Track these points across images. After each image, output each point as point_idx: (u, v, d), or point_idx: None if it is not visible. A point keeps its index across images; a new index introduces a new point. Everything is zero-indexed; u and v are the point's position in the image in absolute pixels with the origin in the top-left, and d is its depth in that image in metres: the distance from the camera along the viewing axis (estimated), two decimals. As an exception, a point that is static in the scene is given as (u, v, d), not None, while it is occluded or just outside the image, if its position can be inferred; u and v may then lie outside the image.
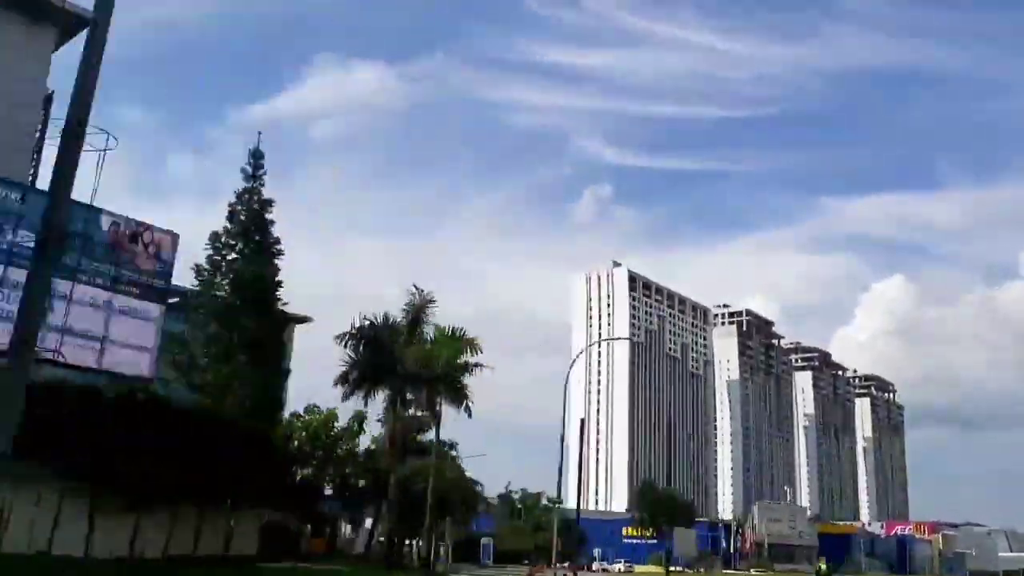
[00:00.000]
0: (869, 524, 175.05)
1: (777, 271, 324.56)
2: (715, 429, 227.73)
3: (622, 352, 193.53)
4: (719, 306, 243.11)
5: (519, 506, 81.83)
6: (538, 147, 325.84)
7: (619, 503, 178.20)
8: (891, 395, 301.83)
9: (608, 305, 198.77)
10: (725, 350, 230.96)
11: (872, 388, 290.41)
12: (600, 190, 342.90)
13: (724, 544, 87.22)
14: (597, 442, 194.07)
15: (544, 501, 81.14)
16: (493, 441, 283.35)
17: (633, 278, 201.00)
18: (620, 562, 71.60)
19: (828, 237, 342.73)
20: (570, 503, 62.34)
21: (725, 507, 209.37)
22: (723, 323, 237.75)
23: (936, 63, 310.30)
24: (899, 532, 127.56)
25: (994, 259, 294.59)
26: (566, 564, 47.35)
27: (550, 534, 73.99)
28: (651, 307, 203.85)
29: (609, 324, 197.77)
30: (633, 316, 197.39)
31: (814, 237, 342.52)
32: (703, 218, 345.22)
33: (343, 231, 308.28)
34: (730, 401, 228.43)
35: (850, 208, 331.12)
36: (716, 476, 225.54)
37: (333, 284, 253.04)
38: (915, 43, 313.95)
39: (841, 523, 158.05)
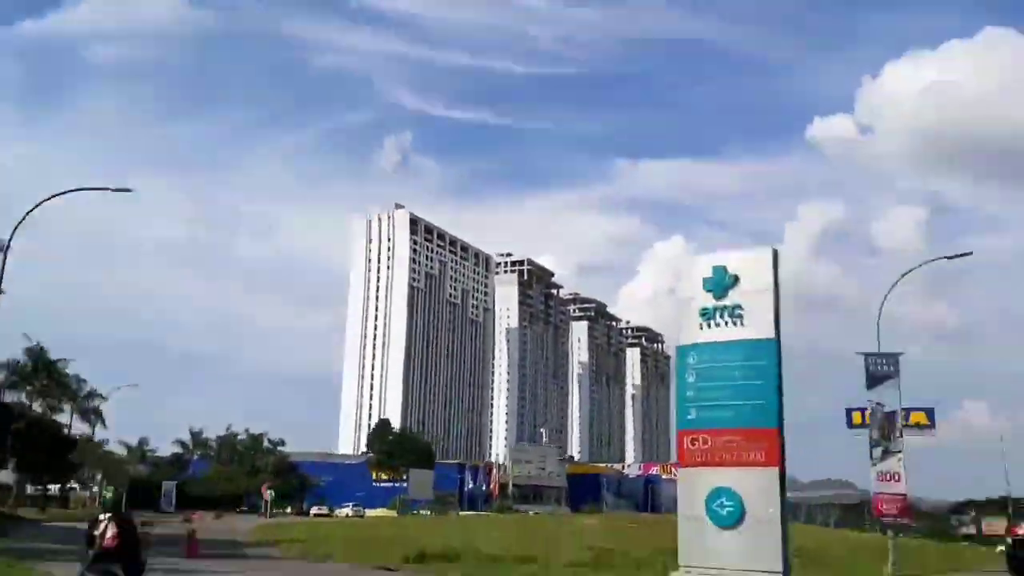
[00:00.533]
0: (628, 467, 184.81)
1: (573, 230, 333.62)
2: (493, 376, 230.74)
3: (400, 297, 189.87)
4: (502, 255, 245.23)
5: (240, 449, 76.38)
6: (341, 90, 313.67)
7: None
8: (660, 346, 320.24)
9: (388, 249, 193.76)
10: (506, 298, 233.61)
11: (643, 339, 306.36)
12: (402, 139, 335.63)
13: (471, 486, 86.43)
14: (372, 387, 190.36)
15: (266, 443, 76.15)
16: (277, 390, 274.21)
17: (415, 221, 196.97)
18: (348, 506, 68.16)
19: (619, 199, 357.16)
20: (345, 449, 58.36)
21: (499, 452, 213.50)
22: (505, 271, 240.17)
23: (725, 39, 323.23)
24: (648, 473, 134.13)
25: (764, 227, 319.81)
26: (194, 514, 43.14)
27: (267, 477, 70.11)
28: (432, 252, 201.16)
29: (389, 268, 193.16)
30: (414, 261, 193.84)
31: (606, 198, 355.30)
32: (503, 175, 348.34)
33: (125, 165, 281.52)
34: (508, 348, 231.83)
35: (640, 172, 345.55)
36: (492, 422, 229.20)
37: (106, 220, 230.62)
38: (709, 18, 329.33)
39: (601, 464, 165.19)
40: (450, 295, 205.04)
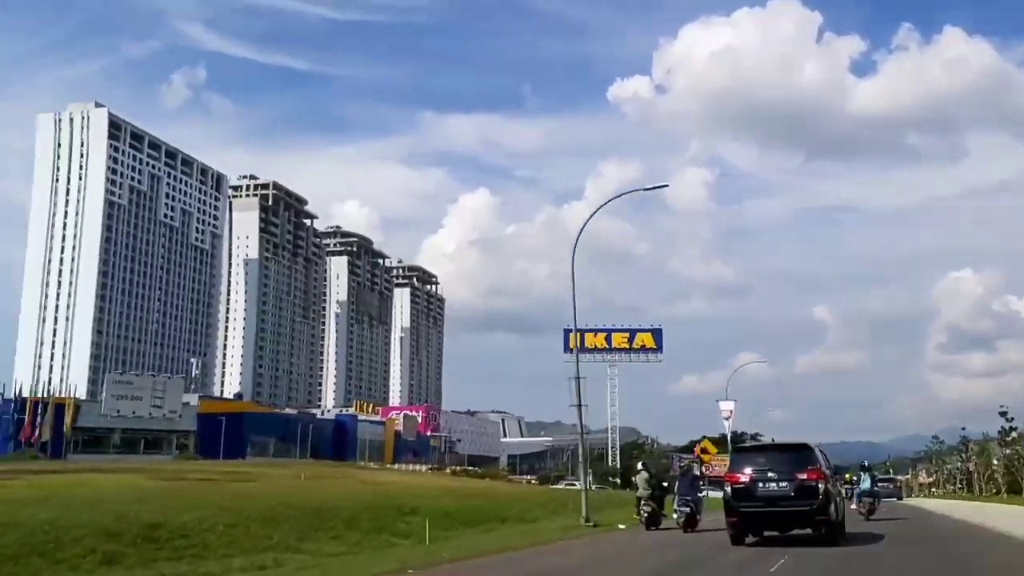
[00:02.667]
0: (329, 409, 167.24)
1: (375, 181, 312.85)
2: (228, 312, 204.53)
3: (94, 214, 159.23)
4: (244, 177, 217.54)
5: None
6: (129, 21, 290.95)
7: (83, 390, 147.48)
8: (434, 287, 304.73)
9: (82, 156, 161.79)
10: (244, 225, 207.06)
11: (414, 279, 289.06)
12: (195, 75, 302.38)
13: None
14: (56, 323, 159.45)
15: None
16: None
17: (118, 125, 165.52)
18: None
19: (424, 151, 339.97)
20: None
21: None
22: (246, 195, 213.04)
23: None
24: (340, 414, 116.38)
25: (567, 184, 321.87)
26: None
27: None
28: (142, 163, 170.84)
29: (81, 179, 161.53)
30: (113, 171, 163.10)
31: (411, 150, 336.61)
32: (305, 120, 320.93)
33: None
34: (247, 282, 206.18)
35: (445, 125, 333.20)
36: (225, 363, 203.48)
37: None
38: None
39: (266, 406, 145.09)
40: (166, 216, 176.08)
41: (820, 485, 16.59)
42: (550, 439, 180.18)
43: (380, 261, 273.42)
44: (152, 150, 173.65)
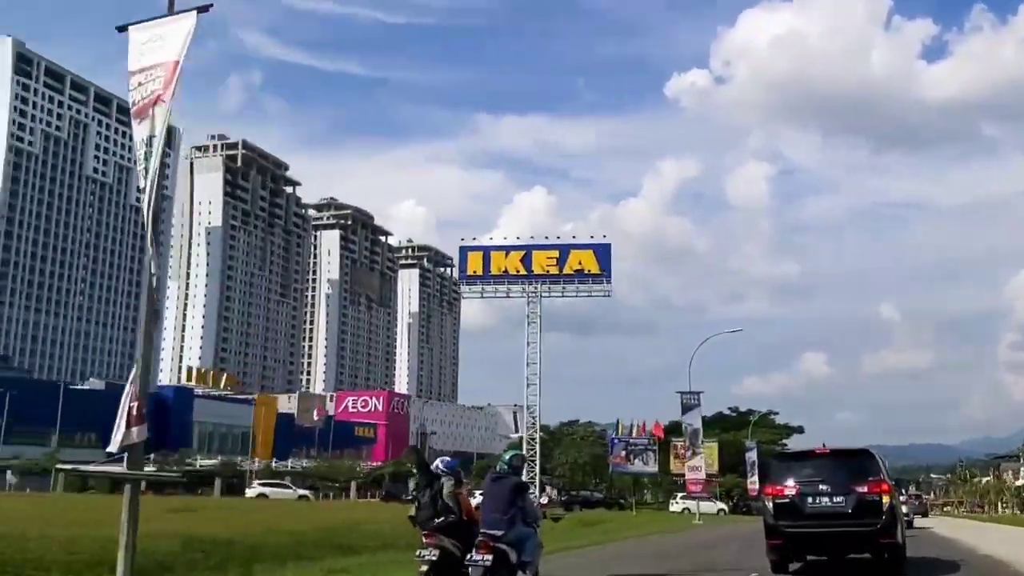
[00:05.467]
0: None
1: (431, 183, 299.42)
2: (182, 287, 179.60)
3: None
4: (212, 137, 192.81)
5: None
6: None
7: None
8: (449, 270, 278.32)
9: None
10: (207, 188, 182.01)
11: (424, 260, 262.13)
12: (252, 79, 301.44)
13: None
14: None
15: None
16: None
17: (27, 59, 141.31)
18: None
19: (479, 153, 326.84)
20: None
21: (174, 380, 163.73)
22: (211, 156, 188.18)
23: None
24: (162, 386, 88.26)
25: (623, 182, 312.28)
26: None
27: None
28: (62, 107, 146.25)
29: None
30: (21, 113, 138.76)
31: (467, 152, 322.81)
32: (362, 124, 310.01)
33: None
34: (208, 253, 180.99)
35: (500, 126, 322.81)
36: (181, 344, 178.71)
37: None
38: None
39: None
40: (95, 170, 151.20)
41: (885, 500, 13.87)
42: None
43: (382, 239, 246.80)
44: (77, 92, 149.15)
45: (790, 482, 14.28)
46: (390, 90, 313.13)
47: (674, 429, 63.94)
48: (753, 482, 65.14)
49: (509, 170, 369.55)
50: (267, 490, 55.08)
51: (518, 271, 67.88)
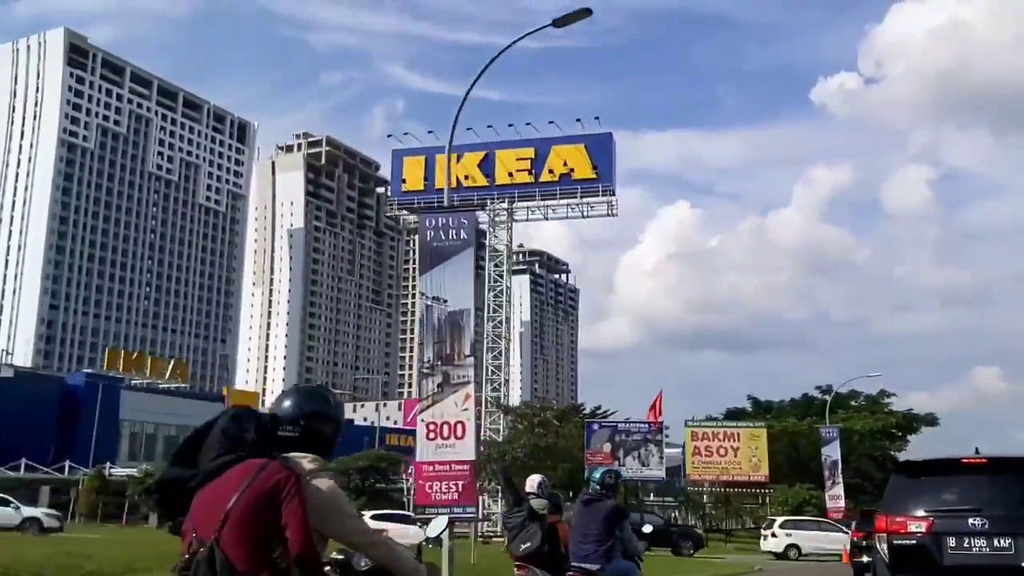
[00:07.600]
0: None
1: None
2: (267, 292, 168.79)
3: (46, 153, 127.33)
4: (297, 136, 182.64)
5: None
6: (340, 69, 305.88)
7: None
8: (564, 276, 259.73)
9: (37, 90, 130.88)
10: (289, 189, 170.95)
11: (535, 265, 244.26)
12: (394, 108, 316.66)
13: None
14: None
15: None
16: None
17: (82, 51, 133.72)
18: None
19: (620, 170, 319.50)
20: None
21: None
22: (292, 154, 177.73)
23: (724, 7, 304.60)
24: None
25: (771, 193, 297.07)
26: None
27: None
28: (121, 100, 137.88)
29: (36, 118, 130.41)
30: (76, 107, 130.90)
31: None
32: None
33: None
34: (291, 257, 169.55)
35: (641, 142, 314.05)
36: (266, 353, 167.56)
37: None
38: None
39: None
40: (157, 166, 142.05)
41: None
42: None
43: (483, 242, 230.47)
44: (139, 85, 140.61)
45: (919, 511, 8.70)
46: (528, 114, 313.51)
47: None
48: (835, 496, 44.29)
49: (650, 185, 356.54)
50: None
51: (475, 181, 49.24)
